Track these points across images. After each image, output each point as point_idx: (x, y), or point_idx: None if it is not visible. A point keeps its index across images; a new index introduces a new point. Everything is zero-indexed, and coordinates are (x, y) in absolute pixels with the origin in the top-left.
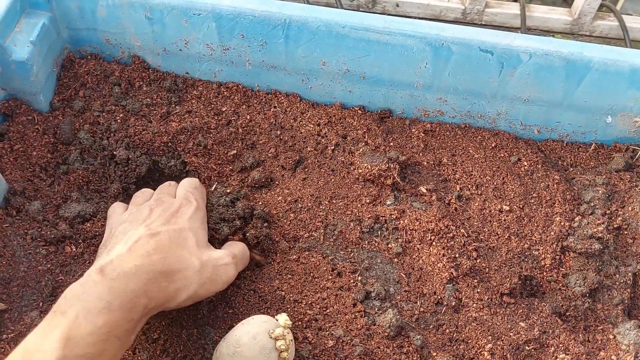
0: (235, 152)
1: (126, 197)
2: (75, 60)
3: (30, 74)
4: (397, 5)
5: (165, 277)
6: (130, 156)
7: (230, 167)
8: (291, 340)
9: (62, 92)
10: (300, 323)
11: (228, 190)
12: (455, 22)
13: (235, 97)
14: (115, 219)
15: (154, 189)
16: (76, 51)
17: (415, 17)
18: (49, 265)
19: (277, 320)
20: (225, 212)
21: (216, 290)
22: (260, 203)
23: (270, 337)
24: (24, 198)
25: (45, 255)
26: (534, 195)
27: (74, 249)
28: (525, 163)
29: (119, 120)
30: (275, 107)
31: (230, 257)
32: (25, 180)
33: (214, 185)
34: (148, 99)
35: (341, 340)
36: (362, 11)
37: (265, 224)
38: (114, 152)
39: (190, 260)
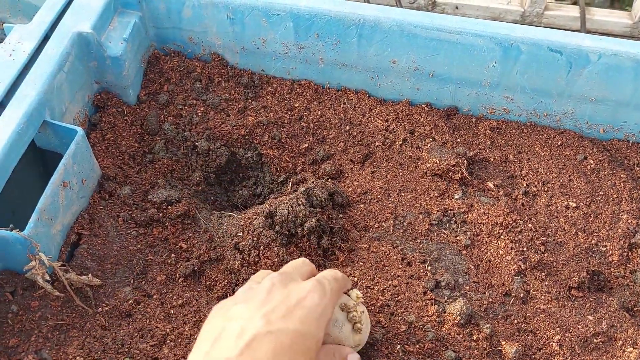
0: (306, 145)
1: (207, 185)
2: (160, 57)
3: (123, 69)
4: (457, 8)
5: None
6: (210, 147)
7: (303, 160)
8: (362, 312)
9: (148, 87)
10: (373, 308)
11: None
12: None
13: (307, 94)
14: (224, 306)
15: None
16: (161, 48)
17: None
18: (139, 246)
19: (349, 295)
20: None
21: None
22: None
23: (342, 310)
24: (115, 183)
25: (136, 236)
26: (600, 193)
27: (161, 231)
28: (592, 161)
29: (199, 114)
30: (345, 103)
31: None
32: (116, 167)
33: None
34: (226, 94)
35: (413, 326)
36: None
37: (341, 215)
38: (196, 143)
39: None
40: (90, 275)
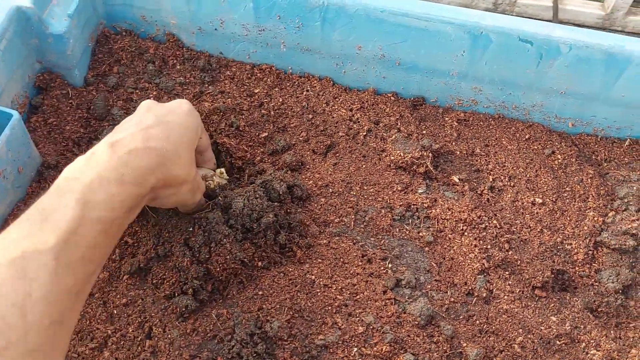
0: (266, 134)
1: None
2: (110, 36)
3: (67, 48)
4: None
5: (171, 164)
6: None
7: (262, 150)
8: (218, 182)
9: (96, 68)
10: (330, 308)
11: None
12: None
13: (268, 79)
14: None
15: None
16: (111, 27)
17: None
18: None
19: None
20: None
21: (192, 203)
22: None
23: (202, 180)
24: (57, 172)
25: None
26: (567, 189)
27: None
28: (559, 156)
29: (152, 98)
30: (307, 90)
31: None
32: (58, 154)
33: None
34: (181, 78)
35: (371, 327)
36: None
37: (300, 210)
38: None
39: (189, 160)
40: None
